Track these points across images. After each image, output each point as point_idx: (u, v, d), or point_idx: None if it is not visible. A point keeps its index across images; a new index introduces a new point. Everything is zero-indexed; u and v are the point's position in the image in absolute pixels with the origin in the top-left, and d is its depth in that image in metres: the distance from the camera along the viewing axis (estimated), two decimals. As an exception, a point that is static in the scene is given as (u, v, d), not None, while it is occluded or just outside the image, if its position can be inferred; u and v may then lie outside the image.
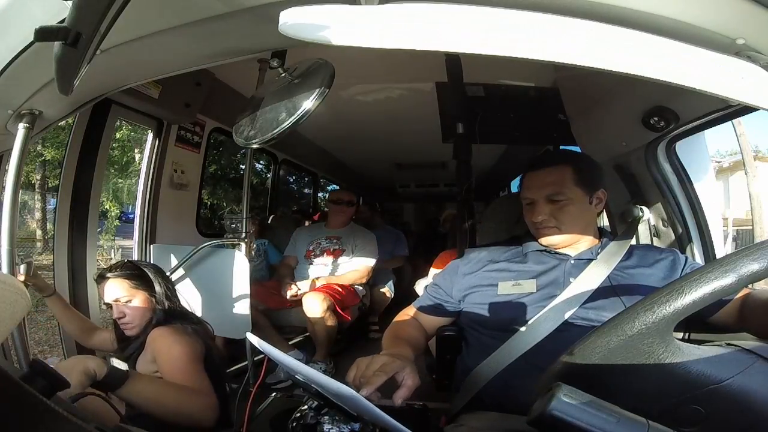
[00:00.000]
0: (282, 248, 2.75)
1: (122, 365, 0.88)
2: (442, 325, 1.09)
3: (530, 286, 0.95)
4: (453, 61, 1.53)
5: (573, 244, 0.98)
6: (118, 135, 6.94)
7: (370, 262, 2.51)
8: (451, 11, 0.54)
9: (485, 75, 1.76)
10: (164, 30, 0.69)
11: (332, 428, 0.60)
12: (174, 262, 1.80)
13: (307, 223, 3.25)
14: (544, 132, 1.90)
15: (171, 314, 1.13)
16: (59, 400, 0.56)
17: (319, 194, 4.98)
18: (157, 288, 1.14)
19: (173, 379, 0.97)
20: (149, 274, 1.15)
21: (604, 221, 1.66)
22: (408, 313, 1.10)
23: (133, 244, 2.04)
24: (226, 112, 2.27)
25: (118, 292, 1.11)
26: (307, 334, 2.28)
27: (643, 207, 1.41)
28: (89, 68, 0.58)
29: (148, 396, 0.89)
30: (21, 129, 0.94)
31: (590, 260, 0.95)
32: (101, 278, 1.14)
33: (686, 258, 0.95)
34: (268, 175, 3.86)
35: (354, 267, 2.49)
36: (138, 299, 1.12)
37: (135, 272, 1.14)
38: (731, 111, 1.00)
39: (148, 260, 1.90)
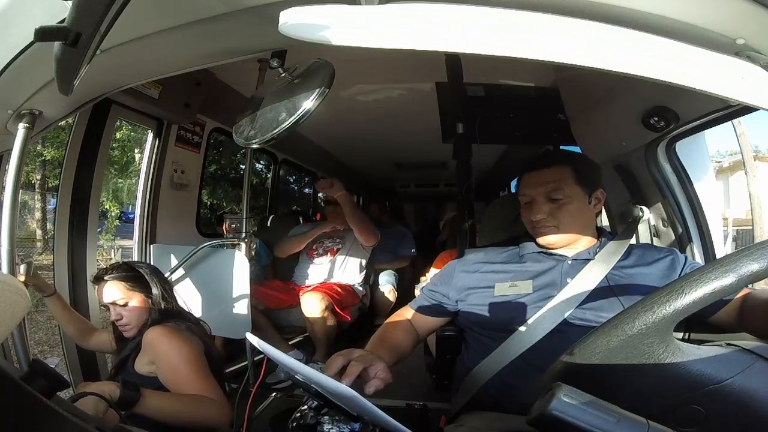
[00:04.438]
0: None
1: None
2: (437, 327, 1.09)
3: (527, 287, 0.95)
4: (453, 61, 1.53)
5: (571, 244, 0.98)
6: (118, 135, 6.94)
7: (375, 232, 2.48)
8: (451, 11, 0.54)
9: (485, 75, 1.76)
10: (164, 30, 0.69)
11: (332, 428, 0.60)
12: (174, 262, 1.80)
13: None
14: (544, 132, 1.90)
15: (167, 314, 1.13)
16: (59, 400, 0.56)
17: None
18: (154, 290, 1.14)
19: (180, 388, 0.98)
20: (145, 275, 1.15)
21: (604, 221, 1.66)
22: (403, 313, 1.10)
23: (133, 244, 2.04)
24: (226, 112, 2.27)
25: (114, 294, 1.11)
26: (307, 334, 2.28)
27: (643, 207, 1.41)
28: (89, 68, 0.58)
29: (162, 412, 0.90)
30: (21, 129, 0.94)
31: (588, 260, 0.95)
32: (98, 280, 1.14)
33: (686, 257, 0.95)
34: (268, 175, 3.86)
35: (350, 265, 2.49)
36: (135, 301, 1.11)
37: (131, 274, 1.14)
38: (731, 111, 1.00)
39: (148, 260, 1.90)
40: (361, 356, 0.72)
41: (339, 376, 0.67)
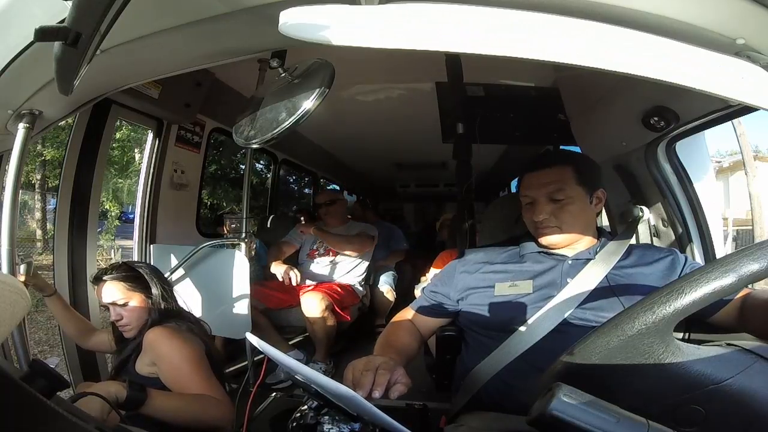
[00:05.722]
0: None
1: None
2: (439, 327, 1.09)
3: (527, 287, 0.95)
4: (453, 61, 1.53)
5: (572, 244, 0.98)
6: (118, 135, 6.94)
7: (370, 235, 2.52)
8: (451, 11, 0.54)
9: (485, 75, 1.76)
10: (164, 30, 0.69)
11: (332, 428, 0.60)
12: (174, 262, 1.80)
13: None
14: (544, 132, 1.90)
15: (167, 314, 1.13)
16: (59, 400, 0.56)
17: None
18: (154, 290, 1.13)
19: (182, 389, 0.98)
20: (145, 275, 1.15)
21: (604, 221, 1.66)
22: (405, 315, 1.10)
23: (133, 244, 2.04)
24: (226, 112, 2.27)
25: (114, 294, 1.10)
26: (307, 334, 2.28)
27: (643, 207, 1.41)
28: (89, 68, 0.58)
29: (168, 412, 0.90)
30: (21, 129, 0.94)
31: (588, 260, 0.95)
32: (97, 280, 1.13)
33: (686, 258, 0.95)
34: (268, 175, 3.86)
35: (350, 265, 2.50)
36: (135, 301, 1.11)
37: (131, 274, 1.13)
38: (731, 111, 1.00)
39: (148, 260, 1.90)
40: (384, 363, 0.71)
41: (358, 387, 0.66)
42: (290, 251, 2.55)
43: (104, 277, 1.12)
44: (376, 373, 0.67)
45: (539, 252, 1.01)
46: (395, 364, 0.72)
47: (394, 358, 0.80)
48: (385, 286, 2.95)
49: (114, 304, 1.11)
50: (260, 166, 5.55)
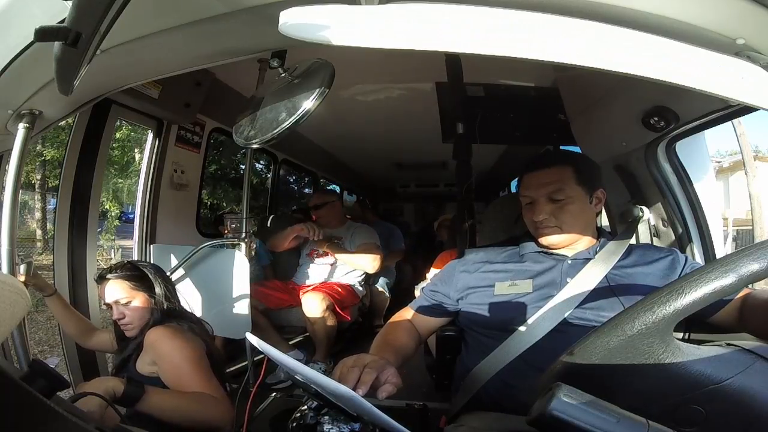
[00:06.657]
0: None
1: None
2: (438, 327, 1.09)
3: (526, 286, 0.95)
4: (453, 61, 1.53)
5: (571, 243, 0.98)
6: (118, 135, 6.94)
7: (375, 245, 2.49)
8: (451, 11, 0.54)
9: (485, 75, 1.76)
10: (164, 30, 0.69)
11: (332, 428, 0.60)
12: (174, 262, 1.80)
13: None
14: (544, 132, 1.90)
15: (169, 314, 1.13)
16: (59, 400, 0.56)
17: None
18: (157, 289, 1.14)
19: (183, 388, 0.98)
20: (149, 275, 1.15)
21: (604, 221, 1.66)
22: (404, 315, 1.10)
23: (133, 244, 2.04)
24: (226, 112, 2.27)
25: (118, 293, 1.11)
26: (307, 334, 2.28)
27: (643, 207, 1.41)
28: (89, 68, 0.58)
29: (166, 409, 0.91)
30: (21, 129, 0.94)
31: (588, 260, 0.95)
32: (101, 279, 1.14)
33: (686, 257, 0.95)
34: (268, 175, 3.86)
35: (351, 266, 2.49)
36: (138, 300, 1.11)
37: (135, 273, 1.14)
38: (731, 111, 1.00)
39: (148, 260, 1.90)
40: (373, 362, 0.70)
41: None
42: (293, 243, 2.53)
43: (108, 276, 1.12)
44: (363, 371, 0.66)
45: (539, 252, 1.01)
46: (385, 364, 0.71)
47: (388, 358, 0.80)
48: (380, 287, 2.96)
49: (117, 302, 1.11)
50: (260, 166, 5.56)
